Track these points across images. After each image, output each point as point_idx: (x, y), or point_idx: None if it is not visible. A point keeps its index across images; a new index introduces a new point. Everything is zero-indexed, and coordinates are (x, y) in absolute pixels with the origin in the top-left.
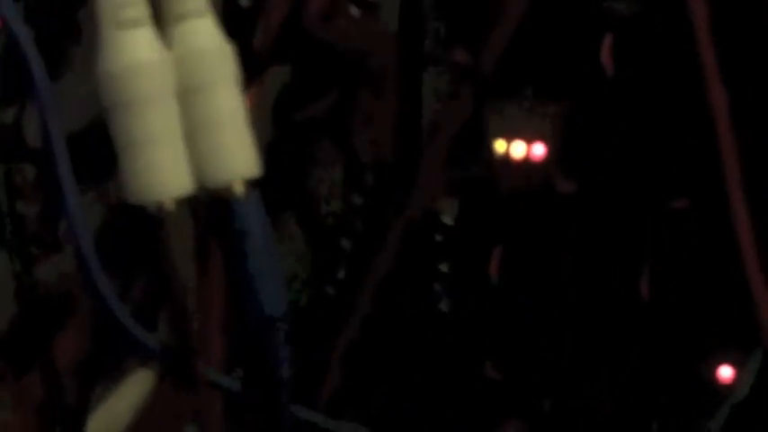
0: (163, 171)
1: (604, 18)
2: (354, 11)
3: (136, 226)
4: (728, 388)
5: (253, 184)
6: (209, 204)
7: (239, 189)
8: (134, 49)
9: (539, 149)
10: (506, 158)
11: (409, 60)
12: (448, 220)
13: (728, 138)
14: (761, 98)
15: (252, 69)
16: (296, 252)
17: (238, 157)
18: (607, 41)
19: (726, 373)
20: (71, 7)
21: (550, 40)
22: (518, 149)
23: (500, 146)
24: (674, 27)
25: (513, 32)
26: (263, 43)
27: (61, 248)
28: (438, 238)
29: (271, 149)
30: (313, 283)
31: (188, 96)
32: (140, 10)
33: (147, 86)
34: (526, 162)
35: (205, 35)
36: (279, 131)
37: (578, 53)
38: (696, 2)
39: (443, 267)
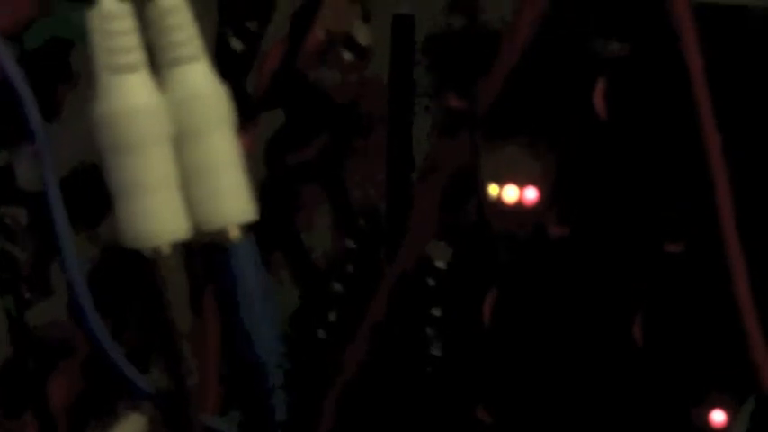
0: (158, 216)
1: (597, 61)
2: (347, 55)
3: (130, 268)
4: None
5: (247, 228)
6: (205, 248)
7: (234, 233)
8: (129, 94)
9: (531, 193)
10: (498, 202)
11: (401, 105)
12: (440, 264)
13: (723, 181)
14: (756, 141)
15: (245, 113)
16: (287, 295)
17: (233, 201)
18: (600, 85)
19: (719, 417)
20: (65, 50)
21: (543, 83)
22: (510, 193)
23: (493, 190)
24: (668, 70)
25: (505, 77)
26: (256, 87)
27: (53, 292)
28: (430, 282)
29: (262, 193)
30: (305, 326)
31: (183, 140)
32: (135, 55)
33: (142, 131)
34: (518, 206)
35: (200, 79)
36: (271, 175)
37: (571, 97)
38: (690, 45)
39: (435, 311)
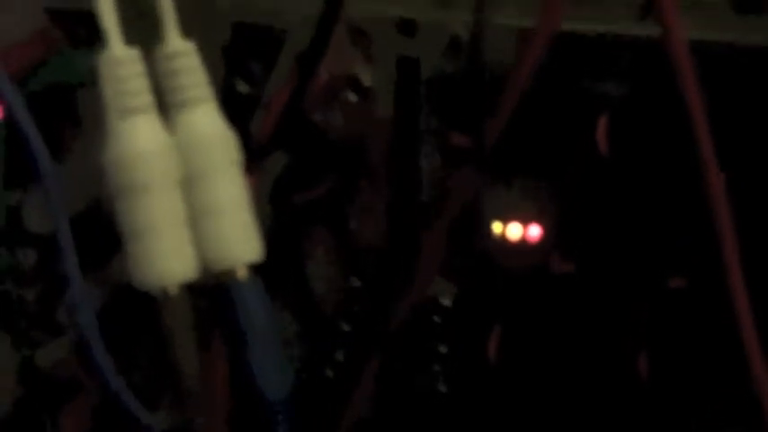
0: (166, 257)
1: (599, 100)
2: (351, 96)
3: (139, 308)
4: None
5: (255, 268)
6: (213, 287)
7: (242, 273)
8: (138, 138)
9: (535, 231)
10: (503, 240)
11: (405, 145)
12: (446, 301)
13: (726, 217)
14: (757, 175)
15: (251, 155)
16: (295, 334)
17: (240, 242)
18: (602, 122)
19: None
20: (70, 93)
21: (546, 122)
22: (514, 231)
23: (497, 227)
24: (668, 107)
25: (509, 115)
26: (262, 129)
27: (62, 332)
28: (436, 319)
29: (269, 233)
30: (312, 365)
31: (191, 182)
32: (144, 98)
33: (150, 173)
34: (522, 243)
35: (208, 122)
36: (277, 216)
37: (573, 135)
38: (689, 82)
39: (442, 348)
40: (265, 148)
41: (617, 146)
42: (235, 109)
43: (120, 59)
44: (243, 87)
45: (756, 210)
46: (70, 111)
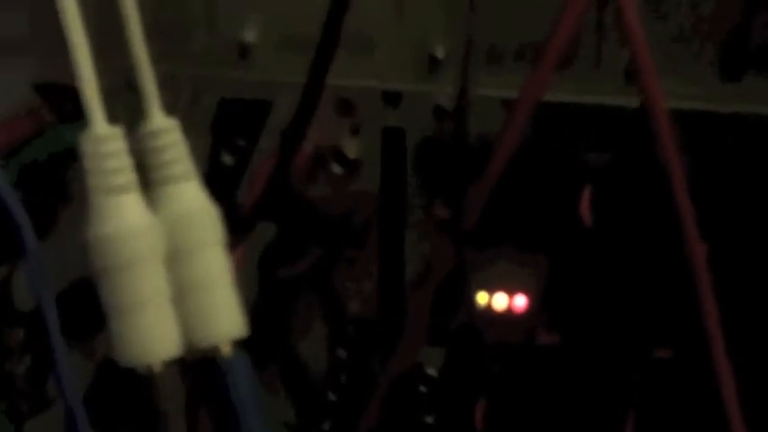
0: (151, 334)
1: (582, 171)
2: (336, 168)
3: (125, 383)
4: None
5: (240, 343)
6: (198, 363)
7: (226, 350)
8: (121, 216)
9: (520, 301)
10: (489, 310)
11: (391, 216)
12: (432, 371)
13: (707, 289)
14: (739, 250)
15: (237, 227)
16: (282, 405)
17: (225, 318)
18: (586, 195)
19: None
20: (60, 167)
21: (530, 193)
22: (500, 301)
23: (482, 298)
24: (650, 178)
25: (493, 187)
26: (247, 200)
27: (50, 405)
28: (422, 389)
29: (256, 305)
30: None
31: (175, 259)
32: (127, 176)
33: (135, 252)
34: (508, 314)
35: (191, 198)
36: (263, 288)
37: (557, 206)
38: (670, 153)
39: (428, 418)
40: (250, 219)
41: (601, 217)
42: (221, 181)
43: (103, 138)
44: (228, 160)
45: (743, 278)
46: (61, 184)
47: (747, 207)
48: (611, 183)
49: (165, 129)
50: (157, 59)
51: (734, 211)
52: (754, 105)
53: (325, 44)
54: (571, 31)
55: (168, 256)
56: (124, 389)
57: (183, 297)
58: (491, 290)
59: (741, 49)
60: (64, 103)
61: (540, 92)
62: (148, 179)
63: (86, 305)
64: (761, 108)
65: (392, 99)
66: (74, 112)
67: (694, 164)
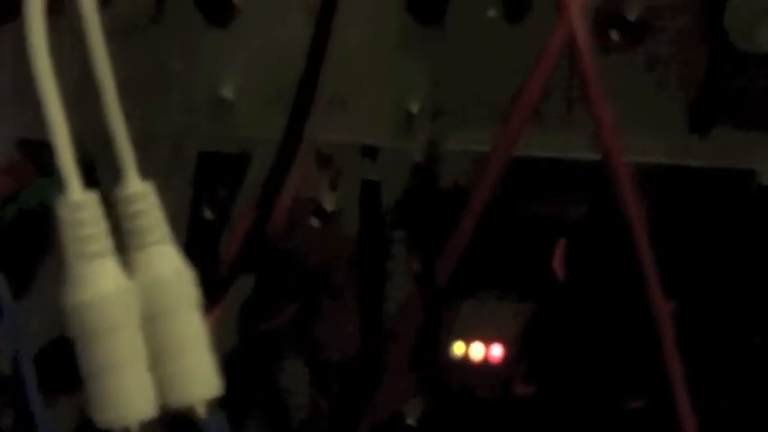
0: (127, 396)
1: (556, 223)
2: (315, 221)
3: None
4: None
5: (217, 401)
6: (175, 424)
7: (201, 410)
8: (97, 282)
9: (497, 351)
10: (465, 360)
11: (370, 268)
12: (411, 421)
13: (671, 344)
14: (709, 306)
15: (217, 281)
16: None
17: (200, 379)
18: (558, 249)
19: None
20: (39, 223)
21: (506, 243)
22: (476, 351)
23: (459, 348)
24: (616, 233)
25: (468, 239)
26: (226, 255)
27: None
28: None
29: (235, 359)
30: None
31: (151, 322)
32: (103, 242)
33: (111, 317)
34: (485, 364)
35: (166, 263)
36: (244, 341)
37: (532, 258)
38: (633, 210)
39: None
40: (230, 275)
41: (573, 270)
42: (201, 235)
43: (79, 204)
44: (209, 214)
45: (712, 332)
46: (42, 239)
47: (717, 262)
48: (584, 237)
49: (139, 194)
50: (137, 115)
51: (704, 266)
52: (723, 159)
53: (301, 98)
54: (542, 87)
55: (144, 319)
56: None
57: (158, 359)
58: (468, 340)
59: (710, 102)
60: (46, 160)
61: (511, 146)
62: (124, 243)
63: (68, 361)
64: (731, 162)
65: (370, 153)
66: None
67: (663, 219)
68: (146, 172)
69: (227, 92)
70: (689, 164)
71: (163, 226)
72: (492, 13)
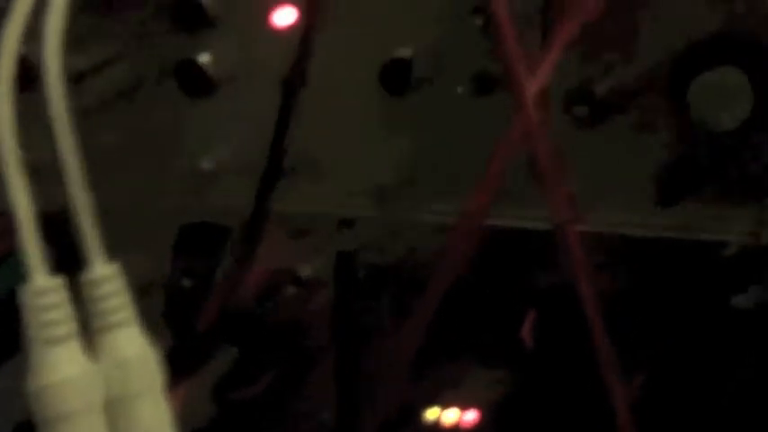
0: None
1: (527, 292)
2: (290, 289)
3: None
4: None
5: None
6: None
7: None
8: (60, 367)
9: (470, 416)
10: (438, 426)
11: (345, 332)
12: None
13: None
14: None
15: (193, 350)
16: None
17: None
18: (528, 319)
19: None
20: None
21: (479, 311)
22: (450, 416)
23: (432, 413)
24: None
25: (438, 304)
26: (202, 324)
27: None
28: None
29: (211, 429)
30: None
31: (114, 406)
32: (67, 327)
33: (74, 402)
34: (457, 429)
35: (131, 345)
36: (219, 410)
37: (503, 325)
38: (586, 289)
39: None
40: (206, 345)
41: (542, 340)
42: (178, 303)
43: (44, 289)
44: (188, 283)
45: (680, 406)
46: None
47: (687, 332)
48: (552, 306)
49: (104, 277)
50: (117, 187)
51: (674, 336)
52: (692, 232)
53: (269, 168)
54: (507, 160)
55: (108, 403)
56: None
57: None
58: (442, 405)
59: (677, 176)
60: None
61: (479, 217)
62: (89, 325)
63: None
64: (699, 234)
65: (345, 224)
66: None
67: (631, 290)
68: (124, 243)
69: (207, 163)
70: (658, 236)
71: (129, 307)
72: (460, 89)
